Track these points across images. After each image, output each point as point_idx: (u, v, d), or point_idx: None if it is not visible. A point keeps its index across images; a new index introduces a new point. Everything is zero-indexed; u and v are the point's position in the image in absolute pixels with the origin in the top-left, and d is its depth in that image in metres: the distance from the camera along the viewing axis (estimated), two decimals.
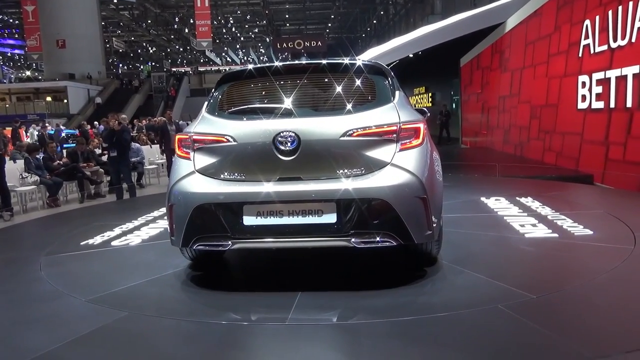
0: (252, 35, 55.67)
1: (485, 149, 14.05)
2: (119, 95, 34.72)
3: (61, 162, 9.21)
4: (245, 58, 63.30)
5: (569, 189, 6.86)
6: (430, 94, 24.98)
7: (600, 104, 7.76)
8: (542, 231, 4.23)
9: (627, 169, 6.95)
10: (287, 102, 3.18)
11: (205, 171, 3.10)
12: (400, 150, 2.99)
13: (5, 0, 39.68)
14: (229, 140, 3.07)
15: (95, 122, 19.70)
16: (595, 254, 3.62)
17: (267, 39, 52.99)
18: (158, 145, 12.17)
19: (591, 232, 4.11)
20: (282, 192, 2.94)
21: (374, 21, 47.48)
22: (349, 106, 3.12)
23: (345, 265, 3.60)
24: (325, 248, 3.13)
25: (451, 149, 15.79)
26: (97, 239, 4.89)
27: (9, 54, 55.22)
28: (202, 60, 58.56)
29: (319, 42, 39.82)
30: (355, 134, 2.97)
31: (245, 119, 3.19)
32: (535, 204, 5.36)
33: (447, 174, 8.70)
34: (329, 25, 52.62)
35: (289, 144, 2.95)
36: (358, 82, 3.28)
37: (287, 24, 53.24)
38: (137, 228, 5.32)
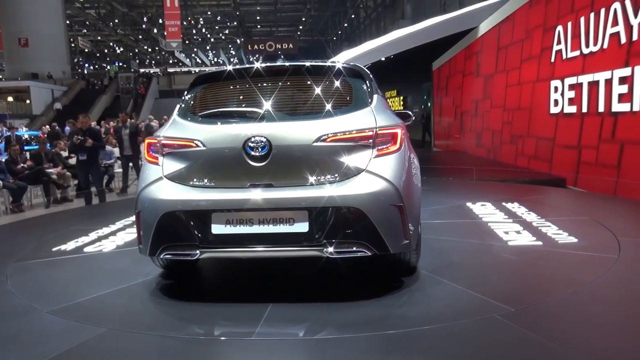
0: (223, 37, 55.13)
1: (458, 152, 14.21)
2: (84, 96, 33.75)
3: (25, 166, 8.82)
4: (216, 59, 62.68)
5: (554, 193, 6.89)
6: (401, 98, 25.22)
7: (572, 109, 7.91)
8: (526, 239, 4.18)
9: (599, 172, 7.10)
10: (259, 106, 3.05)
11: (174, 177, 2.97)
12: (377, 156, 2.89)
13: None
14: (198, 145, 2.95)
15: (55, 124, 19.03)
16: (578, 264, 3.56)
17: (238, 41, 52.57)
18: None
19: (575, 240, 4.06)
20: (252, 199, 2.82)
21: (345, 24, 47.72)
22: (323, 110, 3.01)
23: (320, 276, 3.47)
24: (299, 258, 3.03)
25: (424, 152, 15.94)
26: (71, 245, 4.70)
27: None
28: (171, 62, 57.68)
29: (291, 45, 39.72)
30: (329, 139, 2.86)
31: (215, 123, 3.07)
32: (521, 210, 5.32)
33: (427, 177, 8.78)
34: (301, 27, 52.61)
35: (259, 150, 2.84)
36: (335, 85, 3.17)
37: (259, 26, 52.99)
38: (114, 233, 5.13)
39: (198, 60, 61.37)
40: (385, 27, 34.47)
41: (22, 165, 8.79)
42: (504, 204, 5.68)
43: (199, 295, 3.31)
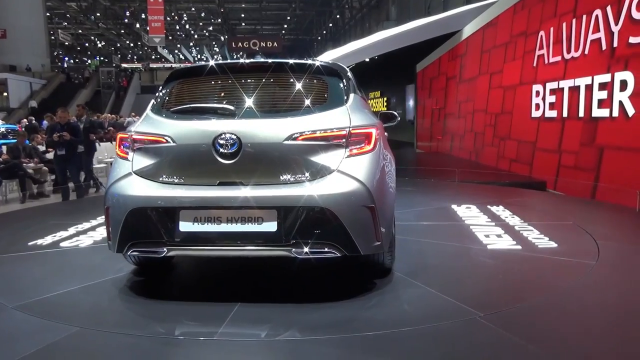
0: (207, 34, 54.59)
1: (441, 154, 14.31)
2: (64, 90, 33.09)
3: (0, 159, 8.60)
4: (199, 56, 62.14)
5: (538, 197, 6.89)
6: (385, 99, 25.33)
7: (553, 113, 8.01)
8: (506, 242, 4.18)
9: (578, 176, 7.19)
10: (232, 103, 3.02)
11: (143, 173, 2.94)
12: (349, 156, 2.85)
13: None
14: (168, 141, 2.91)
15: (32, 117, 18.63)
16: (555, 269, 3.56)
17: (222, 38, 52.18)
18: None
19: (555, 245, 4.07)
20: (220, 197, 2.79)
21: (330, 24, 47.72)
22: (297, 108, 2.99)
23: (293, 276, 3.44)
24: (272, 257, 3.00)
25: (407, 153, 16.01)
26: (48, 239, 4.63)
27: None
28: (153, 57, 56.97)
29: (275, 43, 39.52)
30: (300, 138, 2.82)
31: (186, 119, 3.03)
32: (505, 213, 5.32)
33: (410, 178, 8.81)
34: (285, 26, 52.43)
35: (229, 147, 2.80)
36: (310, 83, 3.14)
37: (243, 24, 52.65)
38: (93, 228, 5.07)
39: (181, 56, 60.76)
40: (370, 28, 34.57)
41: None
42: (488, 207, 5.69)
43: (168, 293, 3.27)
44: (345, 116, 2.96)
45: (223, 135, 2.80)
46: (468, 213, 5.42)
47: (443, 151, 14.22)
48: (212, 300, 3.04)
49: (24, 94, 31.81)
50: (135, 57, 60.34)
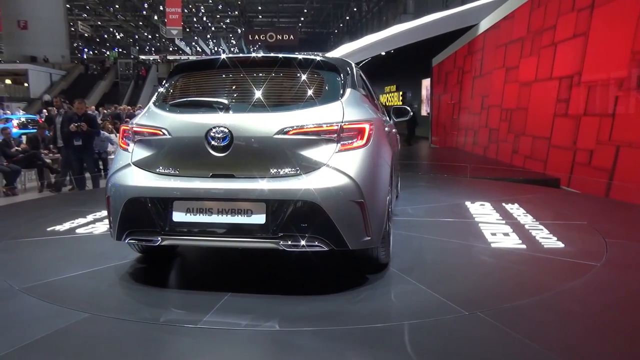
0: (224, 26, 54.75)
1: (455, 149, 14.22)
2: (83, 81, 33.54)
3: (19, 149, 8.79)
4: (216, 48, 62.36)
5: (555, 195, 6.75)
6: (401, 93, 25.19)
7: (570, 110, 7.91)
8: (511, 241, 4.09)
9: (593, 174, 7.11)
10: (226, 97, 3.08)
11: (141, 164, 3.03)
12: (340, 151, 2.86)
13: None
14: (164, 134, 3.00)
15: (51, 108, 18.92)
16: (554, 270, 3.47)
17: (239, 30, 52.27)
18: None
19: (562, 245, 3.96)
20: (212, 189, 2.86)
21: (347, 17, 47.50)
22: (290, 103, 3.02)
23: (289, 268, 3.48)
24: (270, 249, 3.02)
25: (422, 148, 15.96)
26: (66, 225, 4.79)
27: None
28: (171, 49, 57.32)
29: (292, 36, 39.53)
30: (291, 132, 2.84)
31: (181, 112, 3.10)
32: (519, 212, 5.23)
33: (423, 174, 8.78)
34: (302, 19, 52.32)
35: (220, 140, 2.85)
36: (305, 78, 3.15)
37: (260, 16, 52.65)
38: None
39: (198, 48, 61.01)
40: (387, 22, 34.31)
41: (16, 148, 8.75)
42: (503, 204, 5.58)
43: (165, 281, 3.37)
44: (338, 111, 2.96)
45: (215, 129, 2.85)
46: (481, 210, 5.35)
47: (458, 146, 14.13)
48: (206, 289, 3.11)
49: (44, 85, 32.32)
50: (153, 48, 60.81)
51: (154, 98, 3.35)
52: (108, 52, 50.74)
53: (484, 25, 12.09)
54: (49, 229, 4.68)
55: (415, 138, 17.95)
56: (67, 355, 2.35)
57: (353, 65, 3.64)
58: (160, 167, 2.99)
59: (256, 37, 40.11)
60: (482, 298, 2.94)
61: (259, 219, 2.79)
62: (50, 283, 3.23)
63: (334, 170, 2.80)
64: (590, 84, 7.32)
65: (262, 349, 2.41)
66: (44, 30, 34.16)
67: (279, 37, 38.74)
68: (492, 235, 4.30)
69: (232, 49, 60.09)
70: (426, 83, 19.23)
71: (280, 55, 3.22)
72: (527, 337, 2.40)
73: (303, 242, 2.78)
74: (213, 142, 2.86)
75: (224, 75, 3.26)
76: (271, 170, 2.84)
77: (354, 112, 3.02)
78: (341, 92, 3.12)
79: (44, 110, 21.02)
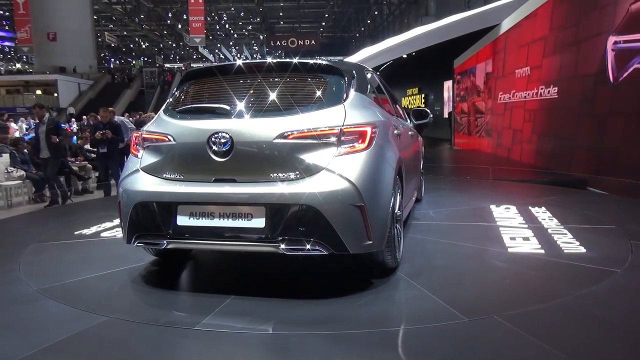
0: (246, 33, 55.34)
1: (478, 151, 14.04)
2: (110, 90, 34.37)
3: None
4: (239, 55, 63.04)
5: (583, 197, 6.54)
6: (423, 95, 25.02)
7: (595, 109, 7.74)
8: (530, 246, 3.94)
9: (620, 175, 6.93)
10: (229, 102, 3.12)
11: (149, 169, 3.12)
12: (340, 154, 2.85)
13: None
14: (169, 140, 3.08)
15: (84, 117, 19.47)
16: (569, 276, 3.31)
17: (261, 37, 52.75)
18: None
19: (584, 250, 3.79)
20: (213, 193, 2.91)
21: (368, 21, 47.48)
22: (291, 107, 3.01)
23: (298, 272, 3.49)
24: (261, 253, 3.07)
25: (444, 150, 15.81)
26: (92, 229, 4.97)
27: None
28: (195, 57, 58.21)
29: (313, 41, 39.70)
30: (290, 137, 2.85)
31: (186, 118, 3.18)
32: (545, 215, 5.06)
33: (445, 176, 8.67)
34: (323, 24, 52.53)
35: (222, 145, 2.90)
36: (308, 82, 3.18)
37: (281, 22, 53.05)
38: None
39: (221, 55, 61.80)
40: (409, 24, 34.14)
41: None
42: (530, 207, 5.41)
43: (173, 283, 3.42)
44: (340, 114, 2.96)
45: (216, 134, 2.91)
46: (505, 214, 5.17)
47: (481, 148, 13.95)
48: (211, 291, 3.16)
49: (72, 95, 33.21)
50: (177, 57, 61.83)
51: (164, 106, 3.44)
52: (134, 61, 51.83)
53: (506, 24, 11.93)
54: (76, 233, 4.88)
55: (429, 140, 17.75)
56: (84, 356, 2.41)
57: (362, 68, 3.63)
58: (167, 173, 3.07)
59: (278, 42, 40.40)
60: (486, 304, 2.84)
61: (259, 222, 2.82)
62: (64, 285, 3.36)
63: (334, 174, 2.80)
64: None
65: (254, 351, 2.41)
66: (73, 41, 35.11)
67: (301, 42, 38.94)
68: (511, 239, 4.17)
69: (254, 56, 60.67)
70: (448, 85, 19.07)
71: (283, 61, 3.26)
72: (520, 345, 2.32)
73: (302, 246, 2.79)
74: (214, 147, 2.91)
75: (228, 82, 3.31)
76: (271, 174, 2.86)
77: (357, 115, 3.01)
78: (345, 95, 3.11)
79: (73, 120, 21.60)
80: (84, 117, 19.88)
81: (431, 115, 5.24)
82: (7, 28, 47.86)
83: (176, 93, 3.46)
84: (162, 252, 3.67)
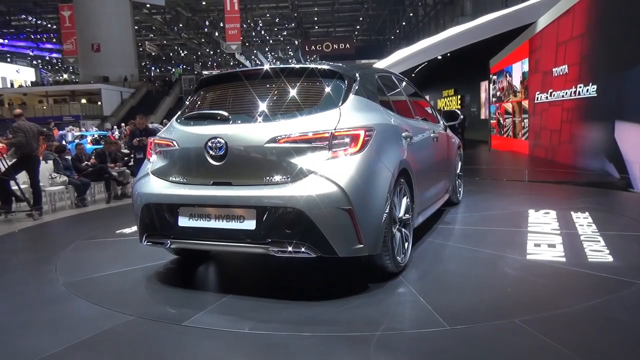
0: (281, 38, 55.96)
1: (517, 152, 13.71)
2: (150, 98, 35.46)
3: (89, 163, 9.41)
4: (274, 61, 63.75)
5: (634, 200, 6.27)
6: (459, 97, 24.61)
7: None
8: (552, 254, 3.77)
9: None
10: (227, 108, 3.25)
11: (157, 173, 3.33)
12: (331, 158, 2.86)
13: (44, 6, 41.04)
14: (174, 145, 3.25)
15: (122, 124, 20.15)
16: (580, 285, 3.15)
17: (296, 42, 53.21)
18: None
19: (610, 260, 3.58)
20: (209, 196, 3.05)
21: (403, 23, 47.11)
22: (285, 112, 3.08)
23: (302, 275, 3.56)
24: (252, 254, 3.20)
25: (482, 152, 15.51)
26: (133, 228, 5.21)
27: (47, 58, 57.15)
28: (232, 63, 59.27)
29: (347, 45, 39.72)
30: (281, 141, 2.92)
31: (189, 124, 3.34)
32: (585, 221, 4.83)
33: (481, 179, 8.49)
34: (358, 27, 52.48)
35: (217, 150, 3.03)
36: (306, 87, 3.22)
37: (316, 27, 53.35)
38: None
39: (257, 61, 62.67)
40: (445, 25, 33.68)
41: (86, 163, 9.37)
42: (572, 212, 5.17)
43: (183, 281, 3.57)
44: (334, 118, 2.98)
45: (212, 139, 3.04)
46: (541, 219, 4.97)
47: (519, 150, 13.62)
48: (212, 290, 3.36)
49: (115, 103, 34.44)
50: (215, 64, 63.13)
51: (178, 113, 3.61)
52: (173, 69, 53.24)
53: (542, 22, 11.63)
54: (117, 232, 5.24)
55: (466, 141, 17.40)
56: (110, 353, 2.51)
57: (372, 71, 3.62)
58: (172, 176, 3.23)
59: (313, 47, 40.63)
60: (476, 313, 2.74)
61: (250, 224, 2.91)
62: (88, 279, 3.64)
63: (322, 177, 2.83)
64: None
65: (228, 349, 2.48)
66: (115, 51, 36.46)
67: (335, 46, 39.05)
68: (535, 246, 4.01)
69: (289, 61, 61.19)
70: (485, 85, 18.70)
71: (284, 66, 3.35)
72: (492, 357, 2.26)
73: (290, 248, 2.83)
74: (212, 152, 3.05)
75: (232, 88, 3.45)
76: (264, 177, 2.94)
77: (352, 118, 3.02)
78: (342, 98, 3.13)
79: (115, 127, 22.38)
80: (122, 124, 20.58)
81: (462, 117, 5.19)
82: (54, 41, 50.10)
83: (187, 101, 3.64)
84: (181, 251, 3.85)
